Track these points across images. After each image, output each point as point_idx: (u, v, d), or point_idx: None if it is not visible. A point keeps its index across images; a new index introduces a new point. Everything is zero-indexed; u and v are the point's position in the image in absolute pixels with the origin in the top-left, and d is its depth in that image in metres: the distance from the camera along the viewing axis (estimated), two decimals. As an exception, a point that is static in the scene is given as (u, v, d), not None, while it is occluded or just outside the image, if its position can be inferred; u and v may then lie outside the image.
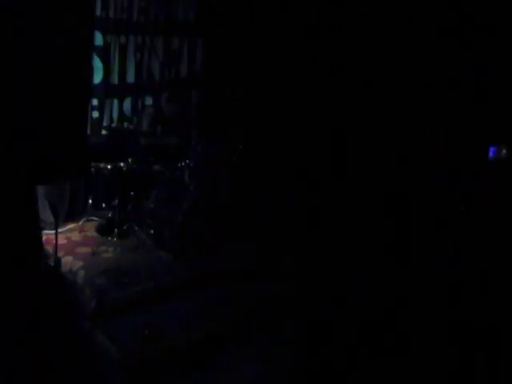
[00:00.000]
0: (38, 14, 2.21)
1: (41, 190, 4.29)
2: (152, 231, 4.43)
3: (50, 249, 3.71)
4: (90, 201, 4.64)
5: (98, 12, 4.89)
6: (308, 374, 3.18)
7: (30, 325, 2.25)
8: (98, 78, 5.02)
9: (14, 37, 2.17)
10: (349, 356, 3.26)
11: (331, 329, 3.54)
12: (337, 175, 5.15)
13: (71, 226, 4.71)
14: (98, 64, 4.99)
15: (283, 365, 3.27)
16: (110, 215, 4.53)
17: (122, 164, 4.49)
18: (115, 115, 5.26)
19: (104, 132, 5.11)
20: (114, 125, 5.18)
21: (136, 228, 4.45)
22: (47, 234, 4.14)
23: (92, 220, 4.74)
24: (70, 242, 4.44)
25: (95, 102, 5.06)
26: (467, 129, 4.45)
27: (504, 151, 3.90)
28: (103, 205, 4.56)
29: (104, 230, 4.58)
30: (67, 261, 4.02)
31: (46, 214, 4.24)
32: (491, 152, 4.02)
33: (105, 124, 5.13)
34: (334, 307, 3.76)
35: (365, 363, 3.16)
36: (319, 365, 3.21)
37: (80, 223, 4.69)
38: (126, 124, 5.27)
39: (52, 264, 3.45)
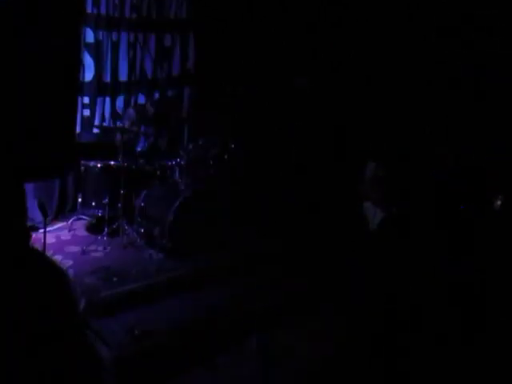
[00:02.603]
0: (28, 14, 2.19)
1: (29, 189, 4.25)
2: (142, 230, 4.40)
3: (38, 248, 3.67)
4: (80, 199, 4.59)
5: (89, 9, 4.84)
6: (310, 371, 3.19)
7: (20, 324, 2.21)
8: (89, 75, 4.97)
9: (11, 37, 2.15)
10: (349, 355, 3.26)
11: (332, 326, 3.55)
12: (337, 171, 5.15)
13: (60, 224, 4.68)
14: (89, 61, 4.93)
15: (284, 362, 3.27)
16: (99, 214, 4.49)
17: (112, 162, 4.44)
18: (107, 113, 5.21)
19: (95, 130, 5.06)
20: (105, 123, 5.13)
21: (126, 226, 4.41)
22: (36, 233, 4.11)
23: (82, 218, 4.70)
24: (59, 240, 4.40)
25: (87, 99, 5.01)
26: (467, 128, 4.47)
27: (499, 202, 3.90)
28: (93, 203, 4.51)
29: (94, 229, 4.54)
30: (56, 260, 3.98)
31: (34, 213, 4.20)
32: None
33: (97, 122, 5.08)
34: (336, 304, 3.77)
35: (366, 363, 3.16)
36: (321, 364, 3.21)
37: (69, 222, 4.65)
38: (118, 123, 5.22)
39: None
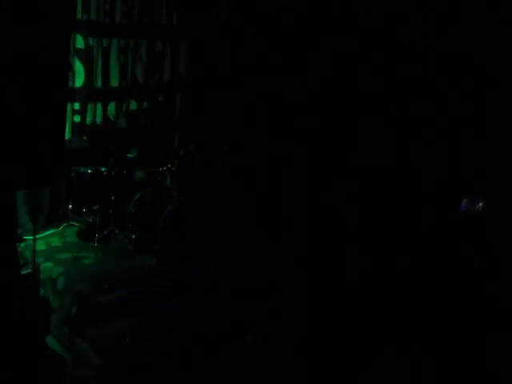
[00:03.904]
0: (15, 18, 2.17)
1: (19, 196, 4.22)
2: (134, 236, 4.38)
3: (28, 255, 3.65)
4: (71, 206, 4.56)
5: (79, 15, 4.83)
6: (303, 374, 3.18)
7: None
8: (79, 81, 4.96)
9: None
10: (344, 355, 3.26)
11: (325, 329, 3.55)
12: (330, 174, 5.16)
13: (51, 231, 4.64)
14: (79, 67, 4.92)
15: (276, 365, 3.26)
16: (90, 220, 4.47)
17: (103, 168, 4.43)
18: (99, 119, 5.20)
19: (85, 137, 5.04)
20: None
21: (117, 233, 4.39)
22: (26, 240, 4.09)
23: (72, 225, 4.67)
24: (49, 247, 4.37)
25: (77, 106, 5.00)
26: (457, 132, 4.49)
27: (480, 204, 3.93)
28: (84, 209, 4.48)
29: (85, 235, 4.52)
30: (47, 267, 3.95)
31: (24, 220, 4.18)
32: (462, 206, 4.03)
33: (88, 129, 5.06)
34: (328, 307, 3.77)
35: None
36: (315, 366, 3.21)
37: (60, 228, 4.62)
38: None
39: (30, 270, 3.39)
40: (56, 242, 4.50)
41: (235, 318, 3.76)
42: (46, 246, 4.39)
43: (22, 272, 3.27)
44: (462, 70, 4.51)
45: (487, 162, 4.23)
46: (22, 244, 4.08)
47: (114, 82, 5.26)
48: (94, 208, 4.40)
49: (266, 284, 4.14)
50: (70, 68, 4.68)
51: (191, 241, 4.36)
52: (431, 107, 4.62)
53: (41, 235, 4.44)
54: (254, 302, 3.94)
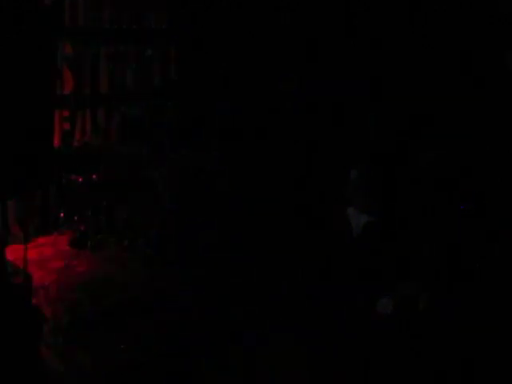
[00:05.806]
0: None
1: (10, 204, 4.20)
2: (126, 242, 4.36)
3: (20, 264, 3.62)
4: (62, 213, 4.55)
5: (67, 21, 4.82)
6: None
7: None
8: (68, 88, 4.94)
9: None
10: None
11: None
12: (321, 176, 5.17)
13: (43, 239, 4.62)
14: (68, 74, 4.91)
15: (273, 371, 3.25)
16: (82, 227, 4.45)
17: (94, 175, 4.42)
18: (88, 126, 5.17)
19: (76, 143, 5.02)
20: (86, 137, 5.10)
21: (110, 239, 4.38)
22: (17, 249, 4.05)
23: (64, 233, 4.64)
24: (42, 256, 4.34)
25: (66, 113, 4.97)
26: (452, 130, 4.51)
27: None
28: (75, 217, 4.47)
29: (77, 243, 4.50)
30: (39, 275, 3.92)
31: (16, 229, 4.15)
32: None
33: (77, 136, 5.04)
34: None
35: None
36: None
37: (52, 237, 4.59)
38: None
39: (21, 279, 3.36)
40: (48, 250, 4.47)
41: (233, 319, 3.75)
42: (39, 254, 4.36)
43: (14, 281, 3.24)
44: (461, 70, 4.54)
45: (487, 162, 4.25)
46: (13, 253, 4.06)
47: (104, 88, 5.25)
48: (86, 215, 4.38)
49: (256, 288, 4.13)
50: (59, 74, 4.67)
51: (184, 245, 4.36)
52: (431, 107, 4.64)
53: (33, 244, 4.40)
54: (244, 305, 3.93)
